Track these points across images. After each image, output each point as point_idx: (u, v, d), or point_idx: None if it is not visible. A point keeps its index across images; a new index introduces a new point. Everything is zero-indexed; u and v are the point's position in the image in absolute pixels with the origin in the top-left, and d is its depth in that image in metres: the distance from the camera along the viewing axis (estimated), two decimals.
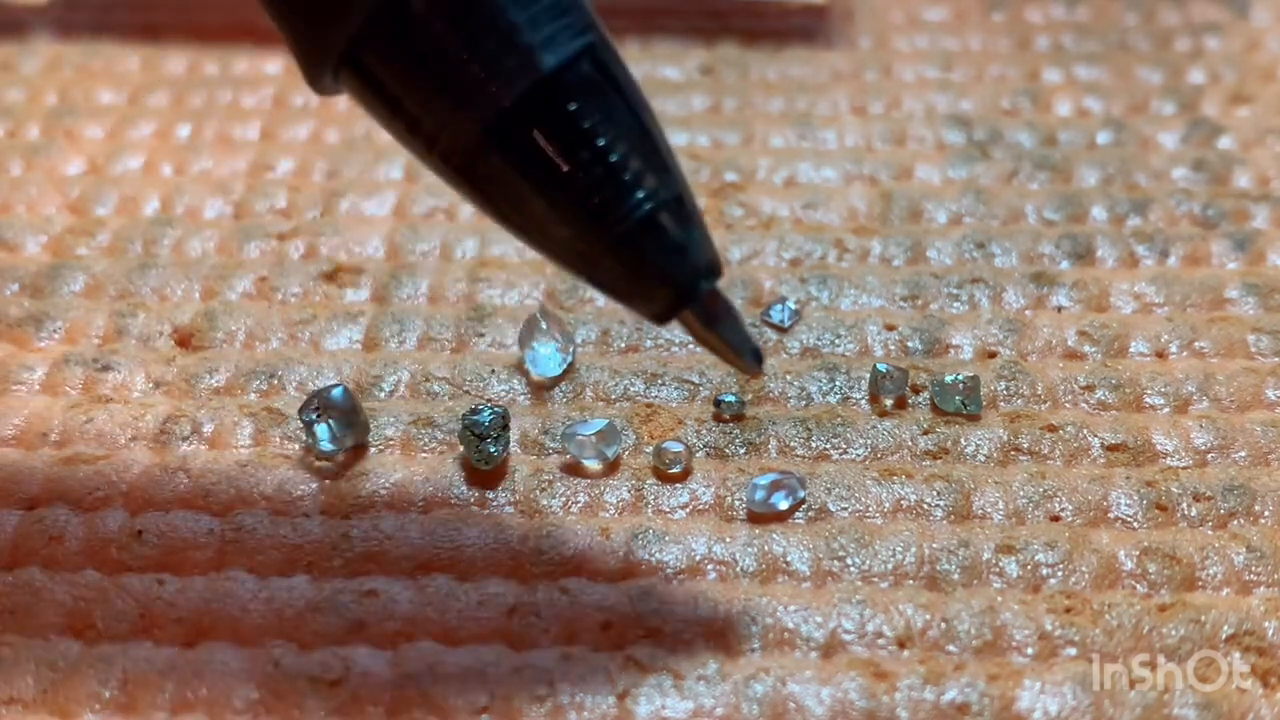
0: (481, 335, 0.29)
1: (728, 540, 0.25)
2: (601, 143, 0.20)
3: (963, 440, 0.27)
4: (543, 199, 0.21)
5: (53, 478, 0.26)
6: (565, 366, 0.28)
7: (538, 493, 0.26)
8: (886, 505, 0.26)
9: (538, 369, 0.28)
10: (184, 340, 0.29)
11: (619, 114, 0.21)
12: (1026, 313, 0.30)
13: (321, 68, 0.21)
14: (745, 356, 0.22)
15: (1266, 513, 0.25)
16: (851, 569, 0.24)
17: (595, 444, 0.26)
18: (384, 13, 0.20)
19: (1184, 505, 0.25)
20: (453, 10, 0.20)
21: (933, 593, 0.24)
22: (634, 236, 0.21)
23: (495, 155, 0.21)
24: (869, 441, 0.27)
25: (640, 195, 0.21)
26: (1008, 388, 0.28)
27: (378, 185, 0.33)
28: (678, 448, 0.26)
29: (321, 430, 0.26)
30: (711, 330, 0.22)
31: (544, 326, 0.28)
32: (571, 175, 0.20)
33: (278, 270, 0.31)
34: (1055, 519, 0.25)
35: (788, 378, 0.28)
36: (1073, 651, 0.23)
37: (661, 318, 0.22)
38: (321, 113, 0.35)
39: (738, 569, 0.24)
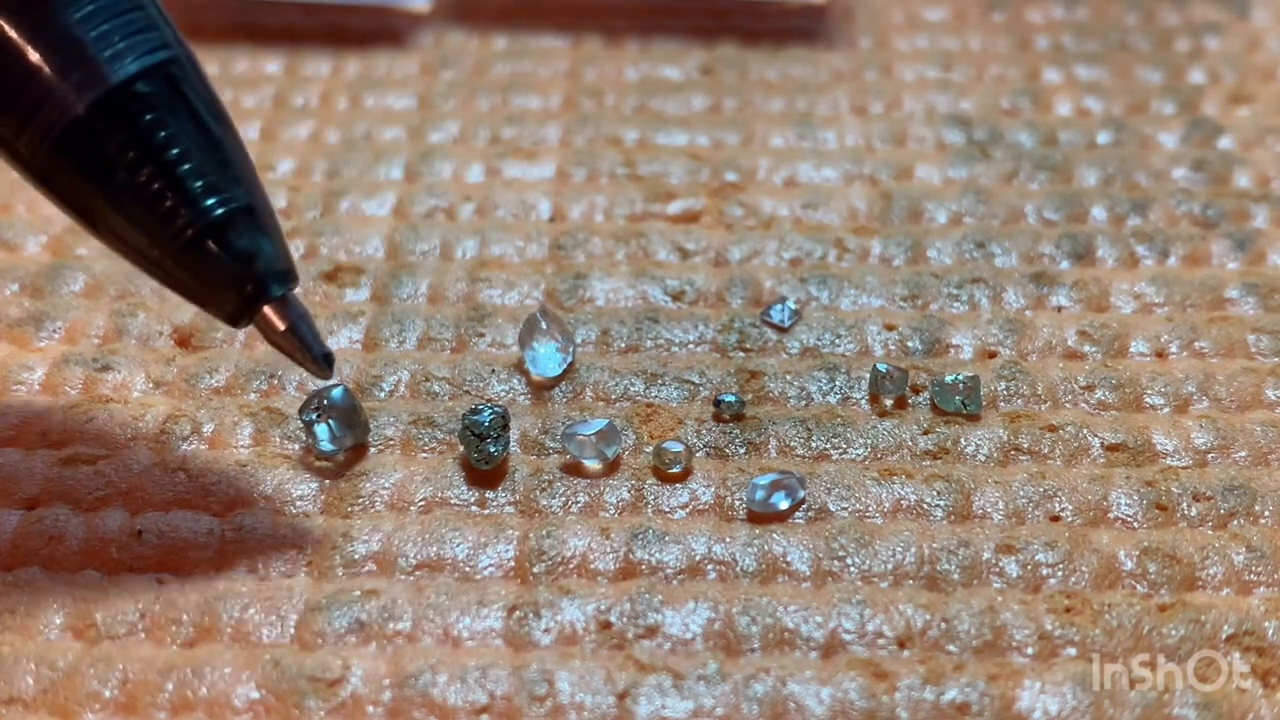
0: (481, 335, 0.29)
1: (728, 540, 0.25)
2: (170, 154, 0.22)
3: (963, 440, 0.27)
4: (113, 206, 0.22)
5: (53, 478, 0.26)
6: (565, 366, 0.28)
7: (538, 493, 0.26)
8: (886, 505, 0.26)
9: (538, 369, 0.28)
10: (184, 340, 0.29)
11: (188, 127, 0.22)
12: (1026, 313, 0.30)
13: None
14: (314, 362, 0.23)
15: (1266, 513, 0.25)
16: (851, 569, 0.24)
17: (595, 444, 0.26)
18: None
19: (1184, 505, 0.25)
20: (26, 26, 0.21)
21: (933, 593, 0.24)
22: (200, 244, 0.22)
23: (68, 163, 0.22)
24: (869, 441, 0.27)
25: (207, 204, 0.22)
26: (1008, 388, 0.28)
27: (378, 185, 0.33)
28: (678, 448, 0.26)
29: (321, 430, 0.26)
30: (280, 335, 0.23)
31: (544, 326, 0.28)
32: (140, 184, 0.22)
33: None
34: (1055, 519, 0.25)
35: (788, 378, 0.28)
36: (1073, 651, 0.23)
37: (234, 320, 0.23)
38: (321, 113, 0.35)
39: (738, 569, 0.24)
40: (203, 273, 0.22)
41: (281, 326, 0.23)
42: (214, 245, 0.22)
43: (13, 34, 0.21)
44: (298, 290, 0.23)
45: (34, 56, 0.21)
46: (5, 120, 0.22)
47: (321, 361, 0.23)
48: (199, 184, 0.22)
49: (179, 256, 0.22)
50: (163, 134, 0.22)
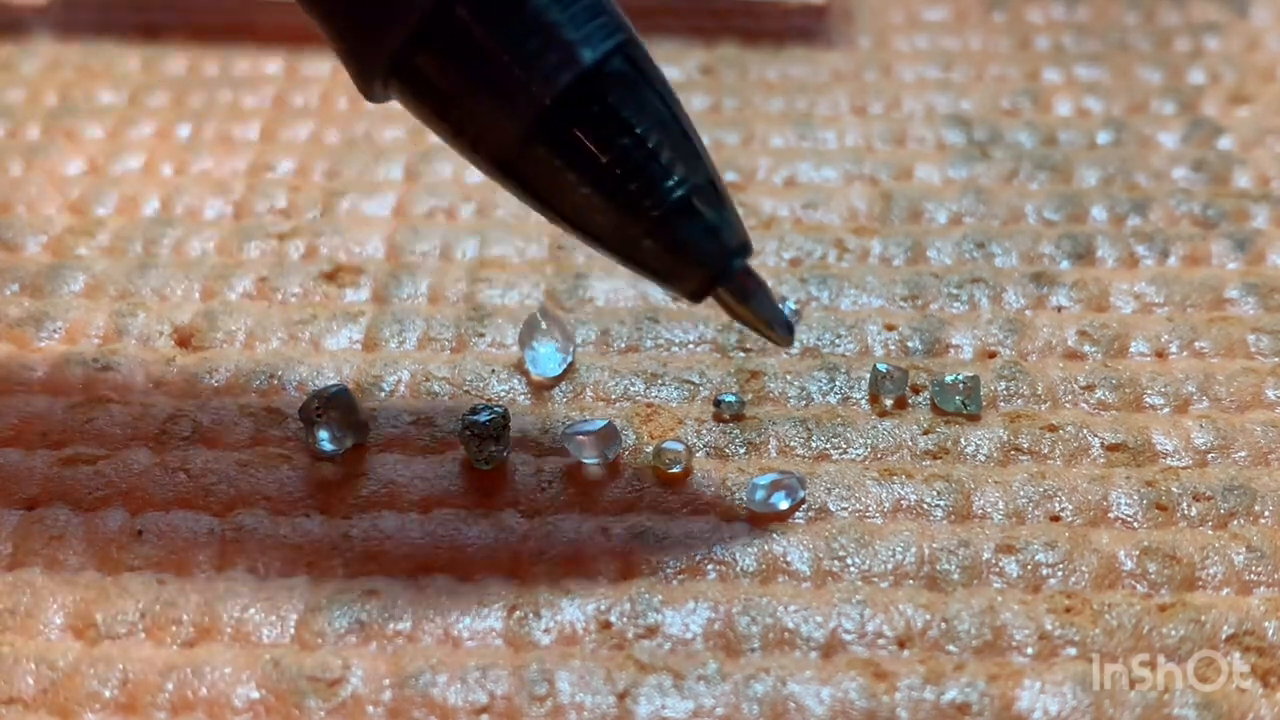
0: (481, 335, 0.29)
1: (728, 540, 0.25)
2: (638, 132, 0.22)
3: (963, 440, 0.27)
4: (585, 188, 0.22)
5: (53, 478, 0.26)
6: (565, 366, 0.28)
7: (538, 493, 0.26)
8: (886, 505, 0.26)
9: (538, 369, 0.28)
10: (184, 340, 0.29)
11: (652, 105, 0.22)
12: (1026, 313, 0.30)
13: (372, 76, 0.23)
14: (777, 330, 0.24)
15: (1266, 513, 0.25)
16: (851, 569, 0.24)
17: (595, 444, 0.26)
18: (431, 21, 0.21)
19: (1184, 505, 0.25)
20: (497, 14, 0.22)
21: (933, 593, 0.24)
22: (670, 220, 0.22)
23: (539, 150, 0.22)
24: (869, 441, 0.27)
25: (674, 181, 0.22)
26: (1008, 388, 0.28)
27: (378, 185, 0.33)
28: (678, 448, 0.26)
29: (321, 430, 0.26)
30: (745, 306, 0.23)
31: (544, 326, 0.28)
32: (611, 165, 0.22)
33: (278, 270, 0.31)
34: (1055, 519, 0.25)
35: (788, 378, 0.28)
36: (1073, 651, 0.23)
37: (697, 295, 0.23)
38: (321, 113, 0.35)
39: (738, 569, 0.25)
40: (672, 251, 0.23)
41: (743, 300, 0.23)
42: (682, 222, 0.22)
43: (486, 29, 0.21)
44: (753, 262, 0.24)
45: (507, 47, 0.21)
46: (476, 114, 0.22)
47: (783, 330, 0.24)
48: (664, 161, 0.22)
49: (650, 235, 0.22)
50: (630, 113, 0.22)
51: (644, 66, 0.22)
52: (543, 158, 0.22)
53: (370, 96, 0.23)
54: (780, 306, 0.24)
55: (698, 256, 0.23)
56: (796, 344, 0.29)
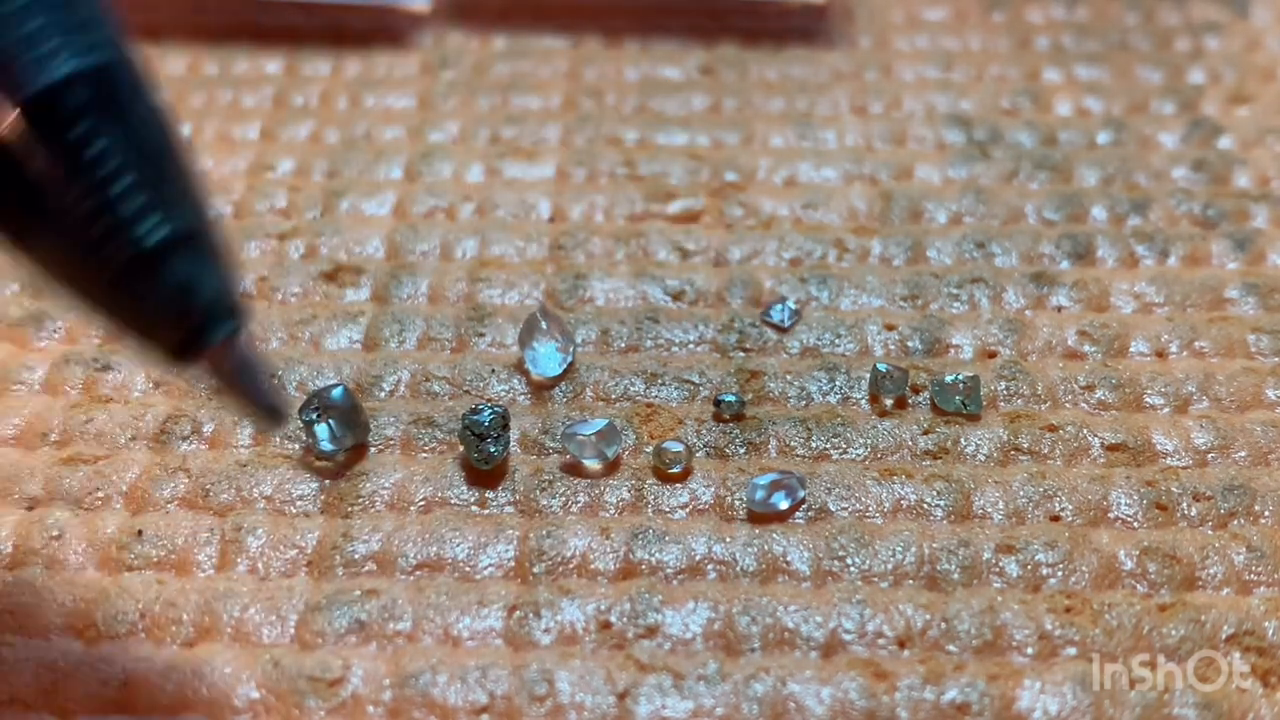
0: (481, 335, 0.29)
1: (728, 540, 0.25)
2: (102, 171, 0.19)
3: (963, 440, 0.27)
4: (37, 227, 0.19)
5: (53, 478, 0.26)
6: (565, 366, 0.28)
7: (538, 493, 0.26)
8: (886, 505, 0.26)
9: (538, 369, 0.28)
10: None
11: (125, 140, 0.19)
12: (1026, 313, 0.30)
13: None
14: (260, 414, 0.20)
15: (1266, 513, 0.25)
16: (851, 569, 0.24)
17: (595, 444, 0.26)
18: None
19: (1184, 505, 0.25)
20: None
21: (933, 593, 0.24)
22: (133, 272, 0.19)
23: None
24: (869, 441, 0.27)
25: (142, 229, 0.19)
26: (1008, 388, 0.28)
27: (378, 185, 0.33)
28: (678, 448, 0.26)
29: (321, 430, 0.26)
30: (225, 380, 0.20)
31: (544, 326, 0.28)
32: (67, 204, 0.19)
33: (278, 270, 0.31)
34: (1055, 519, 0.25)
35: (788, 378, 0.28)
36: (1073, 651, 0.23)
37: (173, 361, 0.20)
38: (321, 113, 0.35)
39: (738, 569, 0.24)
40: (136, 306, 0.19)
41: (224, 372, 0.20)
42: (148, 275, 0.19)
43: None
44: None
45: None
46: None
47: (267, 417, 0.20)
48: (134, 205, 0.19)
49: (110, 286, 0.19)
50: (94, 148, 0.19)
51: (122, 95, 0.19)
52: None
53: None
54: (271, 389, 0.20)
55: (164, 317, 0.19)
56: (796, 343, 0.29)
